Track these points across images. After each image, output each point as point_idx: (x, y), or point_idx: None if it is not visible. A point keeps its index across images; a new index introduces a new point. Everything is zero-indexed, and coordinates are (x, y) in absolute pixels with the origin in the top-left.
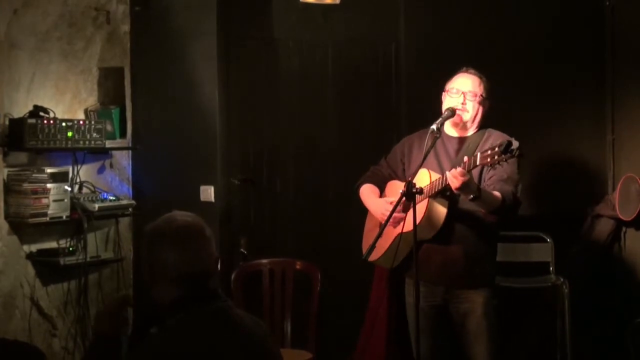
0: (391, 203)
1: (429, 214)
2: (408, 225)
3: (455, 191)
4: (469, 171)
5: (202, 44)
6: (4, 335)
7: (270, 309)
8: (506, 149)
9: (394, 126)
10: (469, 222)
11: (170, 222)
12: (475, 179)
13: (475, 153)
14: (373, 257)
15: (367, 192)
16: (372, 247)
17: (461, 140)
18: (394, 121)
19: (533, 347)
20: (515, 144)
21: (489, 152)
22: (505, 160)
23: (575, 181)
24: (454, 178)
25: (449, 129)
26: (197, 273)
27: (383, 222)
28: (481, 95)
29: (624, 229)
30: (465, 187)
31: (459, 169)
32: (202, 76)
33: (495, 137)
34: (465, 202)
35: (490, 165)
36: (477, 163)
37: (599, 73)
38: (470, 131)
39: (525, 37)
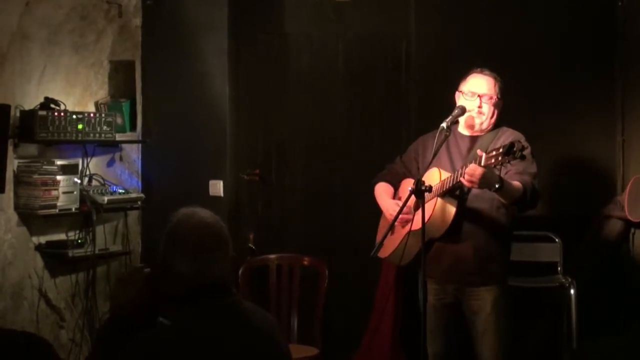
0: (397, 204)
1: (437, 212)
2: (417, 223)
3: (475, 186)
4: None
5: (212, 38)
6: (11, 326)
7: (277, 304)
8: (508, 150)
9: (403, 123)
10: (480, 221)
11: (189, 224)
12: None
13: (480, 154)
14: (383, 253)
15: (380, 191)
16: (380, 244)
17: (474, 139)
18: (404, 118)
19: (539, 347)
20: (518, 145)
21: (494, 153)
22: (509, 162)
23: (585, 182)
24: (473, 171)
25: (463, 129)
26: (207, 284)
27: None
28: (497, 97)
29: (632, 230)
30: (485, 178)
31: (473, 164)
32: (212, 70)
33: (507, 136)
34: (477, 201)
35: (494, 166)
36: (482, 164)
37: (608, 74)
38: (484, 131)
39: (535, 37)
